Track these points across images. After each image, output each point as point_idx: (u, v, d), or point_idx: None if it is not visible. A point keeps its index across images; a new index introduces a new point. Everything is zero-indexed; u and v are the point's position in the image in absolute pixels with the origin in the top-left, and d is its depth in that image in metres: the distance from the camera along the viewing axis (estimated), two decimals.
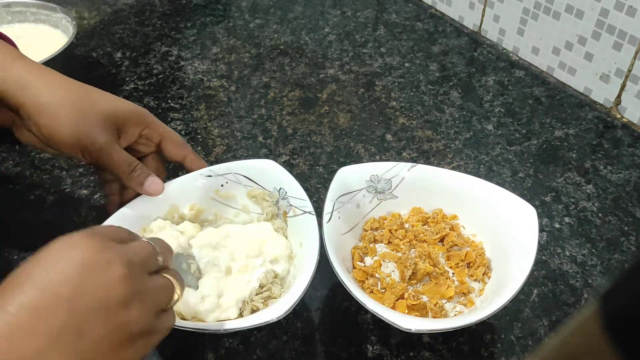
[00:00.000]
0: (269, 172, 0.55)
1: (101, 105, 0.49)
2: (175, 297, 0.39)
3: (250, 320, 0.45)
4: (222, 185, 0.55)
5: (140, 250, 0.37)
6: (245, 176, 0.56)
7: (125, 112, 0.50)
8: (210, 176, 0.55)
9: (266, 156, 0.68)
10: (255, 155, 0.68)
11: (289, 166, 0.67)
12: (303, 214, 0.53)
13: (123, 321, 0.33)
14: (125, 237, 0.38)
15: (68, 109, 0.47)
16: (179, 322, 0.45)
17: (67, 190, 0.63)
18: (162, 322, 0.37)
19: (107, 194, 0.54)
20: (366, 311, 0.53)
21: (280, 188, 0.55)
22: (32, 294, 0.31)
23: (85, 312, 0.32)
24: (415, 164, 0.57)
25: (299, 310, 0.48)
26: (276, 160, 0.67)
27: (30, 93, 0.47)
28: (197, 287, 0.48)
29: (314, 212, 0.52)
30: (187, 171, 0.55)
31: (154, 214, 0.53)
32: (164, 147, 0.54)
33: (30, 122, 0.48)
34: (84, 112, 0.48)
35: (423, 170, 0.57)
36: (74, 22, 0.79)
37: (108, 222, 0.49)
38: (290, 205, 0.54)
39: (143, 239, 0.39)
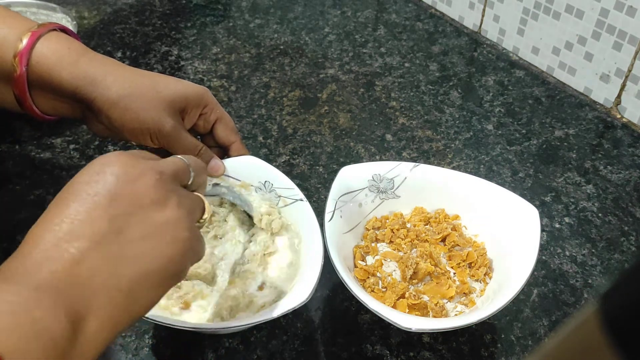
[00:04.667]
0: (252, 167, 0.56)
1: (165, 92, 0.51)
2: (206, 215, 0.40)
3: (275, 311, 0.45)
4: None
5: (172, 163, 0.39)
6: (228, 175, 0.56)
7: (187, 94, 0.53)
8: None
9: (266, 156, 0.68)
10: (256, 155, 0.68)
11: (289, 166, 0.67)
12: (294, 202, 0.53)
13: (161, 221, 0.35)
14: (156, 157, 0.40)
15: (137, 101, 0.50)
16: (178, 322, 0.45)
17: None
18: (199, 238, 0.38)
19: None
20: (366, 311, 0.53)
21: (266, 181, 0.55)
22: (74, 207, 0.33)
23: (123, 216, 0.34)
24: (417, 164, 0.57)
25: (299, 310, 0.48)
26: (276, 160, 0.68)
27: (100, 88, 0.49)
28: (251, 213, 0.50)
29: (305, 199, 0.52)
30: (229, 156, 0.57)
31: None
32: (217, 129, 0.56)
33: (102, 116, 0.50)
34: (151, 101, 0.50)
35: (426, 170, 0.57)
36: (74, 22, 0.79)
37: None
38: (279, 196, 0.54)
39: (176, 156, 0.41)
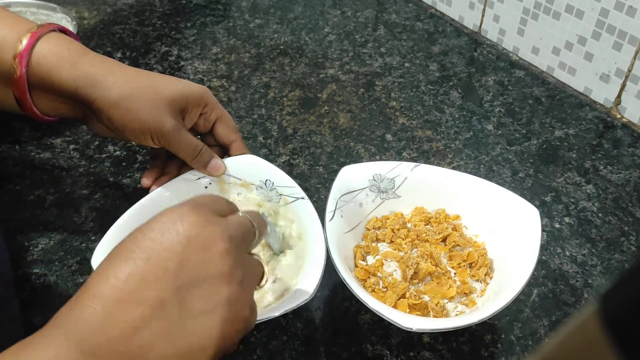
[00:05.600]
0: (252, 166, 0.56)
1: (166, 92, 0.51)
2: (264, 282, 0.39)
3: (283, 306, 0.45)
4: (205, 187, 0.55)
5: (240, 226, 0.37)
6: (229, 175, 0.56)
7: (187, 94, 0.53)
8: (194, 179, 0.55)
9: (266, 156, 0.68)
10: (256, 155, 0.68)
11: (289, 166, 0.67)
12: (295, 200, 0.53)
13: (224, 296, 0.34)
14: (225, 209, 0.38)
15: (137, 102, 0.50)
16: None
17: (67, 190, 0.63)
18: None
19: (150, 166, 0.57)
20: (366, 311, 0.53)
21: (267, 180, 0.55)
22: (140, 264, 0.32)
23: (189, 286, 0.33)
24: (418, 163, 0.57)
25: (299, 310, 0.48)
26: (276, 160, 0.68)
27: (100, 89, 0.49)
28: (279, 251, 0.50)
29: (306, 197, 0.52)
30: (229, 155, 0.57)
31: None
32: (217, 128, 0.56)
33: (103, 116, 0.50)
34: (152, 101, 0.50)
35: (426, 170, 0.57)
36: (74, 22, 0.79)
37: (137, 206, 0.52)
38: (280, 194, 0.54)
39: (240, 213, 0.39)
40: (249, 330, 0.37)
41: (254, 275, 0.38)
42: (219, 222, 0.35)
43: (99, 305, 0.31)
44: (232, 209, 0.39)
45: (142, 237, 0.33)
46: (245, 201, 0.57)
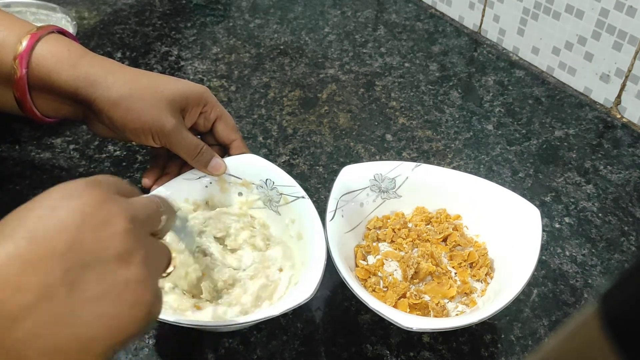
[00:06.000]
0: (253, 166, 0.56)
1: (166, 91, 0.51)
2: (171, 268, 0.36)
3: (282, 307, 0.45)
4: (206, 187, 0.56)
5: (145, 206, 0.34)
6: (230, 174, 0.56)
7: (187, 93, 0.53)
8: (195, 179, 0.55)
9: (266, 156, 0.68)
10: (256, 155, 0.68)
11: (289, 166, 0.67)
12: (295, 199, 0.53)
13: (123, 279, 0.30)
14: (129, 190, 0.35)
15: (138, 102, 0.50)
16: (182, 320, 0.45)
17: None
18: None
19: (151, 166, 0.57)
20: (366, 311, 0.53)
21: (267, 179, 0.55)
22: (22, 244, 0.28)
23: (81, 269, 0.29)
24: (419, 163, 0.57)
25: (299, 310, 0.48)
26: (276, 160, 0.68)
27: (100, 89, 0.49)
28: (194, 249, 0.49)
29: (307, 196, 0.52)
30: (229, 155, 0.57)
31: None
32: (217, 127, 0.56)
33: (103, 116, 0.50)
34: (152, 101, 0.50)
35: (427, 170, 0.57)
36: (74, 22, 0.79)
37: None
38: (281, 194, 0.54)
39: (148, 195, 0.38)
40: (155, 318, 0.32)
41: (159, 259, 0.34)
42: (119, 200, 0.32)
43: None
44: (135, 192, 0.36)
45: (27, 214, 0.29)
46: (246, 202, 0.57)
